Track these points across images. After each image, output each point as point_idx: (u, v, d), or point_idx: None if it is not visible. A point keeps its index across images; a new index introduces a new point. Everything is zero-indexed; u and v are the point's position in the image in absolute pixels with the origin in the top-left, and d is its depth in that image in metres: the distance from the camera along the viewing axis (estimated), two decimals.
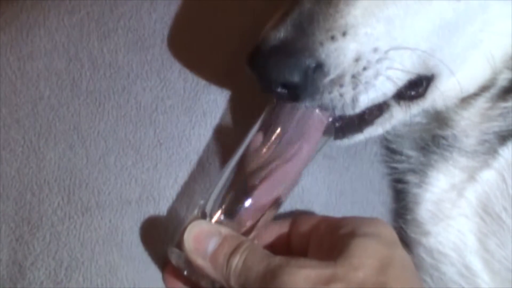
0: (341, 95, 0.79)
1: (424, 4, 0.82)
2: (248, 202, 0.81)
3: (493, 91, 0.91)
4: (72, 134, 0.88)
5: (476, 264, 0.89)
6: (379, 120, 0.86)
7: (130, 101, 0.89)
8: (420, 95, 0.87)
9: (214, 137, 0.89)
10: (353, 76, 0.79)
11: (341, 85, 0.79)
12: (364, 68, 0.79)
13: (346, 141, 0.86)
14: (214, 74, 0.91)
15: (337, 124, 0.84)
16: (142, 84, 0.90)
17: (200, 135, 0.89)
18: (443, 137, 0.93)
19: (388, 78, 0.81)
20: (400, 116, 0.87)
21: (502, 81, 0.91)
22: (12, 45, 0.91)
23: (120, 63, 0.91)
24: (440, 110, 0.93)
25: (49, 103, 0.89)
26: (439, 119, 0.94)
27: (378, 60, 0.80)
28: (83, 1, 0.92)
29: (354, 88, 0.79)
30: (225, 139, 0.89)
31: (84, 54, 0.91)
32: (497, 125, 0.90)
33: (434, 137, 0.94)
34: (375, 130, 0.87)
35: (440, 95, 0.89)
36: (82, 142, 0.88)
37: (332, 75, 0.79)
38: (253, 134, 0.83)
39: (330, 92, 0.79)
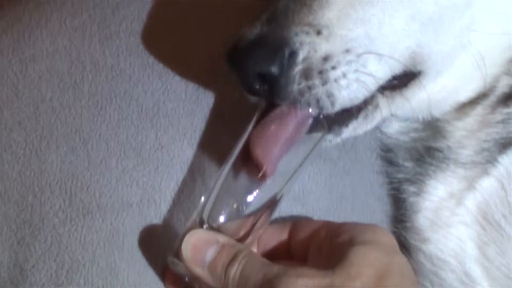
0: (309, 87, 0.79)
1: (402, 1, 0.82)
2: (244, 205, 0.81)
3: (493, 98, 0.91)
4: (73, 137, 0.88)
5: (476, 271, 0.89)
6: (364, 113, 0.85)
7: (132, 104, 0.89)
8: (403, 84, 0.86)
9: (206, 141, 0.90)
10: (320, 72, 0.79)
11: (307, 78, 0.79)
12: (333, 68, 0.79)
13: (333, 138, 0.85)
14: (208, 76, 0.91)
15: (321, 117, 0.83)
16: (144, 87, 0.90)
17: (200, 136, 0.89)
18: (438, 150, 0.93)
19: (357, 80, 0.80)
20: (385, 108, 0.86)
21: (502, 88, 0.91)
22: (14, 48, 0.91)
23: (121, 66, 0.91)
24: (434, 121, 0.93)
25: (51, 105, 0.89)
26: (433, 130, 0.94)
27: (348, 62, 0.80)
28: (85, 4, 0.93)
29: (323, 84, 0.79)
30: (218, 143, 0.90)
31: (86, 56, 0.91)
32: (497, 131, 0.90)
33: (428, 149, 0.94)
34: (362, 124, 0.86)
35: (430, 97, 0.88)
36: (83, 145, 0.88)
37: (300, 66, 0.79)
38: (246, 137, 0.82)
39: (299, 84, 0.79)
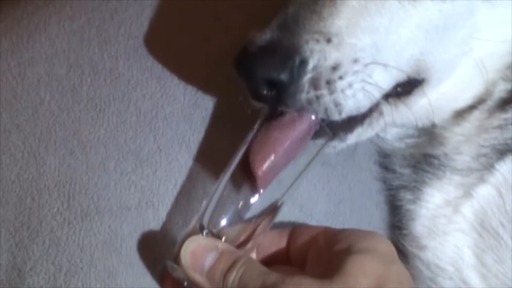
0: (317, 97, 0.79)
1: (408, 10, 0.83)
2: (245, 211, 0.81)
3: (490, 103, 0.91)
4: (72, 140, 0.88)
5: (473, 278, 0.89)
6: (369, 120, 0.86)
7: (130, 108, 0.89)
8: (407, 92, 0.87)
9: (207, 144, 0.90)
10: (327, 82, 0.79)
11: (316, 88, 0.79)
12: (340, 77, 0.80)
13: (338, 144, 0.86)
14: (209, 81, 0.91)
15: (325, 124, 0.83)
16: (142, 90, 0.90)
17: (199, 141, 0.89)
18: (434, 157, 0.93)
19: (362, 90, 0.81)
20: (389, 115, 0.87)
21: (499, 93, 0.91)
22: (13, 51, 0.91)
23: (120, 69, 0.91)
24: (431, 127, 0.93)
25: (50, 108, 0.89)
26: (430, 136, 0.94)
27: (355, 72, 0.80)
28: (84, 7, 0.93)
29: (330, 94, 0.80)
30: (219, 148, 0.90)
31: (85, 60, 0.91)
32: (495, 137, 0.90)
33: (425, 156, 0.94)
34: (366, 130, 0.86)
35: (431, 104, 0.88)
36: (82, 148, 0.88)
37: (309, 74, 0.79)
38: (248, 143, 0.82)
39: (307, 93, 0.79)
